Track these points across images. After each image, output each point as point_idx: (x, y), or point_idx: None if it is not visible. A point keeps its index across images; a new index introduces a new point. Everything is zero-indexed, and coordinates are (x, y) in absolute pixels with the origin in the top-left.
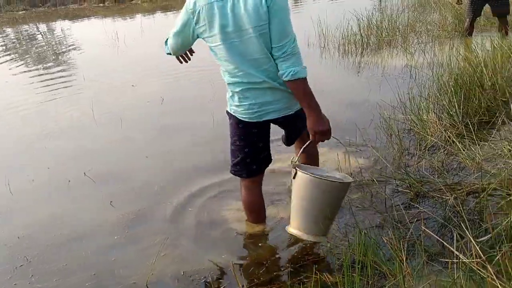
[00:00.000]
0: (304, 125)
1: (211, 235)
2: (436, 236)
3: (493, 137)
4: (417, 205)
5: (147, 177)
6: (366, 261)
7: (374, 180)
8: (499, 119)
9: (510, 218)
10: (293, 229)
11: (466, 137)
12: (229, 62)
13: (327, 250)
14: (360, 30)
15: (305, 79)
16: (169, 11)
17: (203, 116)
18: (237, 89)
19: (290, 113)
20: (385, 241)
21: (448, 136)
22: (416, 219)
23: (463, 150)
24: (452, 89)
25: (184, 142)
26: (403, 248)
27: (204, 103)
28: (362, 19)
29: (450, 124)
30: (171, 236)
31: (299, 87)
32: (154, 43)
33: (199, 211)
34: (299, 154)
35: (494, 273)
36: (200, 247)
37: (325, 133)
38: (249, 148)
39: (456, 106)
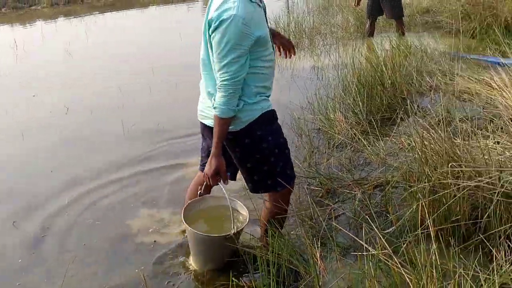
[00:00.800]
0: (237, 155)
1: (122, 249)
2: (346, 231)
3: (394, 133)
4: (329, 202)
5: (52, 192)
6: (281, 262)
7: None
8: (399, 115)
9: (413, 209)
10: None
11: (370, 134)
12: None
13: (243, 253)
14: None
15: (220, 118)
16: (72, 16)
17: (111, 125)
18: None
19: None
20: (300, 240)
21: (354, 134)
22: (328, 216)
23: (368, 146)
24: (356, 88)
25: (91, 153)
26: (317, 245)
27: (112, 112)
28: (270, 22)
29: (355, 122)
30: (79, 254)
31: (214, 121)
32: (57, 50)
33: (108, 224)
34: (200, 190)
35: (399, 263)
36: (111, 263)
37: (207, 175)
38: (204, 145)
39: (360, 104)
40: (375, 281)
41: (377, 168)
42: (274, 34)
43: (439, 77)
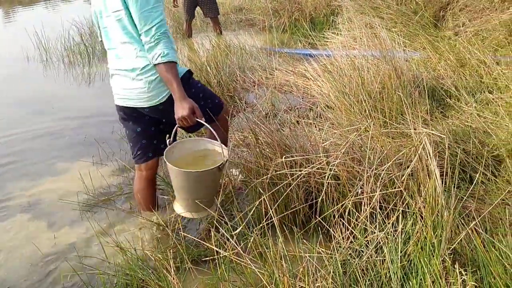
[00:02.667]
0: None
1: None
2: (195, 238)
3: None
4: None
5: None
6: (132, 281)
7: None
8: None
9: (255, 204)
10: (174, 206)
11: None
12: None
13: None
14: (83, 39)
15: (172, 62)
16: None
17: None
18: None
19: None
20: (150, 255)
21: (189, 136)
22: (176, 223)
23: None
24: None
25: None
26: (169, 258)
27: None
28: (83, 28)
29: None
30: None
31: (164, 69)
32: None
33: None
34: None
35: (250, 259)
36: None
37: (184, 118)
38: (128, 132)
39: None
40: (229, 283)
41: None
42: None
43: (260, 73)
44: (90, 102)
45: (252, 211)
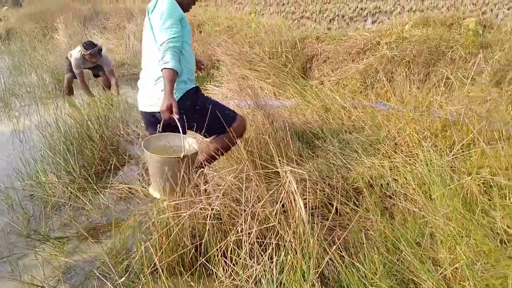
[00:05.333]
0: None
1: None
2: None
3: (111, 184)
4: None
5: None
6: None
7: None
8: (112, 166)
9: (139, 250)
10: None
11: (88, 189)
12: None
13: None
14: None
15: (172, 70)
16: None
17: None
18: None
19: None
20: None
21: (70, 192)
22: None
23: (88, 202)
24: (64, 146)
25: None
26: None
27: None
28: None
29: (70, 181)
30: None
31: (165, 75)
32: None
33: None
34: (159, 128)
35: None
36: None
37: (162, 111)
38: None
39: (72, 162)
40: None
41: (100, 219)
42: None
43: (141, 125)
44: None
45: (136, 259)
